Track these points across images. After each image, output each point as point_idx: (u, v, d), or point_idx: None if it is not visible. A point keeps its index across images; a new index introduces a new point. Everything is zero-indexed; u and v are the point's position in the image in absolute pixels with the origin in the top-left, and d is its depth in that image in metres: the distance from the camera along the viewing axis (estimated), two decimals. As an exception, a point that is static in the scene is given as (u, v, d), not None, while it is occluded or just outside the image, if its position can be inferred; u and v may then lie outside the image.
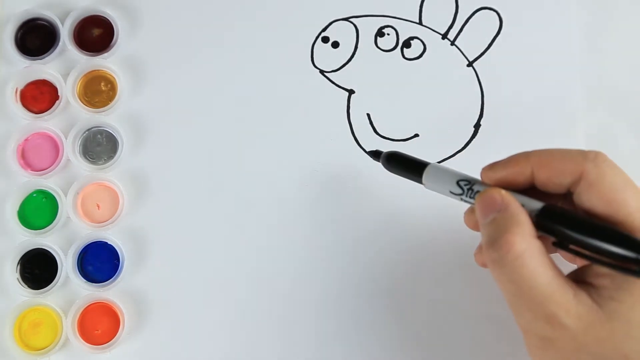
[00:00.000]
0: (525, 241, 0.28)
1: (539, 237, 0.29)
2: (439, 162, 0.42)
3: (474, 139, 0.42)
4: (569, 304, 0.28)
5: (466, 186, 0.32)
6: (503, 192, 0.30)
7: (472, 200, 0.32)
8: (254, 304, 0.41)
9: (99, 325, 0.41)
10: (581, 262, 0.32)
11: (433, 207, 0.41)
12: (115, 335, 0.40)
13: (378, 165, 0.42)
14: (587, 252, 0.28)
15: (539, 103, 0.42)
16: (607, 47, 0.43)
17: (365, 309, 0.40)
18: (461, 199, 0.33)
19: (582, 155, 0.29)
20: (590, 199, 0.29)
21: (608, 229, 0.28)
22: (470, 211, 0.33)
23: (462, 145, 0.42)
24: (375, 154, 0.39)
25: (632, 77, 0.43)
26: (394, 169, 0.37)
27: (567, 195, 0.30)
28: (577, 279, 0.30)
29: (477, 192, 0.32)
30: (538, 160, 0.30)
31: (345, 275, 0.41)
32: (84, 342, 0.40)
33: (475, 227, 0.33)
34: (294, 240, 0.41)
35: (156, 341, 0.41)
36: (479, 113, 0.43)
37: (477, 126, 0.42)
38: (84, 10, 0.44)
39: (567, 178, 0.30)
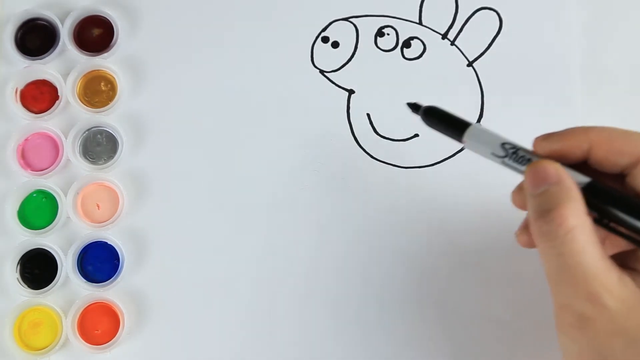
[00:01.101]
0: (578, 216, 0.28)
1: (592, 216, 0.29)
2: (439, 162, 0.42)
3: (474, 139, 0.42)
4: (613, 285, 0.27)
5: (511, 150, 0.31)
6: (558, 165, 0.30)
7: (515, 164, 0.31)
8: (253, 303, 0.41)
9: (99, 325, 0.41)
10: (626, 246, 0.31)
11: (434, 206, 0.41)
12: (115, 335, 0.40)
13: (379, 165, 0.42)
14: (628, 232, 0.28)
15: (539, 103, 0.42)
16: (607, 47, 0.43)
17: (366, 308, 0.40)
18: (503, 162, 0.31)
19: None
20: None
21: None
22: (519, 189, 0.33)
23: (462, 146, 0.42)
24: (414, 107, 0.36)
25: (632, 77, 0.43)
26: (435, 124, 0.35)
27: (619, 176, 0.30)
28: (622, 263, 0.29)
29: (523, 157, 0.31)
30: (598, 137, 0.30)
31: (345, 275, 0.41)
32: (84, 342, 0.40)
33: (522, 205, 0.32)
34: (293, 240, 0.41)
35: (156, 341, 0.41)
36: (479, 113, 0.43)
37: (477, 126, 0.42)
38: (84, 10, 0.44)
39: (625, 159, 0.29)
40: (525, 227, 0.32)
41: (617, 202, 0.28)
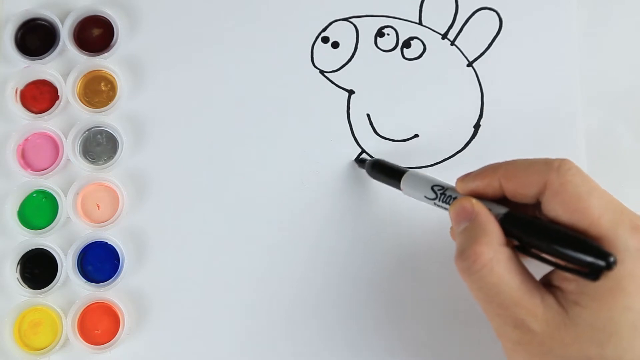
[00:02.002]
0: (492, 250, 0.29)
1: (511, 244, 0.30)
2: (439, 163, 0.42)
3: (474, 139, 0.42)
4: (536, 308, 0.29)
5: (439, 191, 0.34)
6: (474, 200, 0.31)
7: (445, 205, 0.33)
8: (253, 303, 0.41)
9: (99, 325, 0.41)
10: None
11: (433, 208, 0.41)
12: (115, 335, 0.40)
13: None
14: (546, 257, 0.29)
15: (539, 103, 0.42)
16: (607, 47, 0.43)
17: (367, 308, 0.40)
18: (435, 204, 0.34)
19: (546, 164, 0.30)
20: (555, 208, 0.29)
21: (564, 233, 0.28)
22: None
23: (462, 146, 0.42)
24: (360, 161, 0.41)
25: (631, 77, 0.43)
26: (377, 175, 0.39)
27: (538, 204, 0.31)
28: (547, 282, 0.30)
29: (450, 197, 0.33)
30: (505, 173, 0.31)
31: (345, 275, 0.41)
32: (84, 342, 0.40)
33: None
34: (293, 240, 0.41)
35: (156, 341, 0.41)
36: (478, 113, 0.43)
37: (477, 126, 0.42)
38: (84, 10, 0.44)
39: (532, 189, 0.30)
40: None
41: (530, 228, 0.29)
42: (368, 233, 0.41)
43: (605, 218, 0.28)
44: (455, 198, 0.33)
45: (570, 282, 0.29)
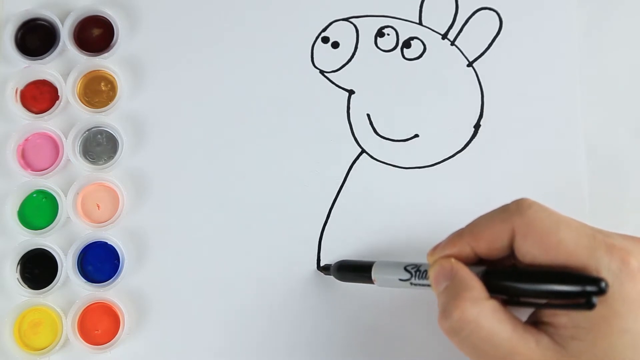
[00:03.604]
0: (476, 304, 0.28)
1: (495, 297, 0.29)
2: (439, 162, 0.42)
3: (474, 139, 0.42)
4: (532, 352, 0.28)
5: (413, 269, 0.33)
6: (452, 260, 0.30)
7: (422, 282, 0.32)
8: (253, 303, 0.41)
9: (99, 325, 0.41)
10: None
11: (434, 206, 0.42)
12: (115, 335, 0.40)
13: (379, 165, 0.42)
14: (537, 301, 0.28)
15: (539, 103, 0.42)
16: (607, 47, 0.43)
17: (367, 307, 0.40)
18: (411, 284, 0.33)
19: (506, 211, 0.30)
20: (530, 251, 0.29)
21: (547, 272, 0.28)
22: None
23: (462, 145, 0.42)
24: (324, 269, 0.40)
25: (632, 77, 0.43)
26: (345, 276, 0.38)
27: (512, 255, 0.30)
28: (537, 320, 0.30)
29: (425, 271, 0.32)
30: (470, 235, 0.31)
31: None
32: (84, 342, 0.40)
33: None
34: (293, 240, 0.41)
35: (156, 341, 0.41)
36: (479, 113, 0.43)
37: (477, 126, 0.42)
38: (84, 10, 0.44)
39: (502, 239, 0.30)
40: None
41: (513, 277, 0.29)
42: (368, 233, 0.41)
43: (580, 247, 0.27)
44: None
45: (561, 317, 0.28)
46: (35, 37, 0.44)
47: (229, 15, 0.44)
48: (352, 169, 0.42)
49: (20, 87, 0.44)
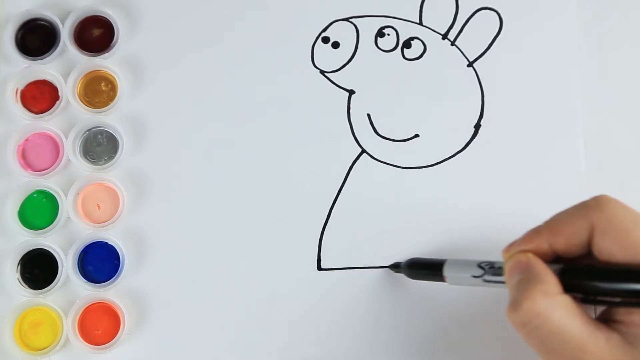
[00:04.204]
0: (548, 297, 0.28)
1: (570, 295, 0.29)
2: (439, 163, 0.42)
3: (474, 139, 0.42)
4: (602, 351, 0.27)
5: (487, 266, 0.33)
6: (530, 254, 0.30)
7: (495, 278, 0.32)
8: (253, 303, 0.41)
9: (99, 325, 0.41)
10: None
11: (435, 206, 0.42)
12: (115, 335, 0.40)
13: (379, 165, 0.42)
14: (613, 300, 0.28)
15: (539, 103, 0.42)
16: (607, 47, 0.43)
17: (367, 308, 0.40)
18: (483, 280, 0.33)
19: (585, 207, 0.29)
20: (608, 247, 0.28)
21: (626, 270, 0.28)
22: None
23: (462, 146, 0.42)
24: (394, 267, 0.40)
25: (632, 77, 0.43)
26: (416, 274, 0.39)
27: (589, 254, 0.30)
28: (608, 318, 0.29)
29: (500, 267, 0.32)
30: (549, 230, 0.30)
31: (345, 274, 0.41)
32: (84, 342, 0.40)
33: None
34: (293, 240, 0.41)
35: (156, 341, 0.41)
36: (479, 113, 0.43)
37: (477, 126, 0.42)
38: (84, 10, 0.44)
39: (582, 235, 0.29)
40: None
41: (592, 275, 0.28)
42: (368, 233, 0.41)
43: None
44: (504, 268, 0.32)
45: (635, 315, 0.28)
46: (36, 37, 0.44)
47: (229, 15, 0.44)
48: (352, 169, 0.42)
49: (21, 87, 0.44)
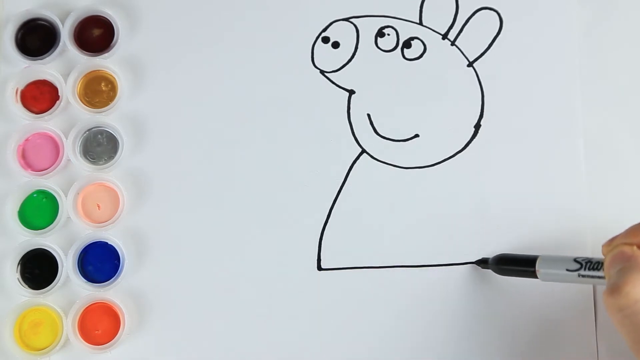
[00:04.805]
0: None
1: None
2: (439, 163, 0.42)
3: (474, 139, 0.42)
4: None
5: (584, 261, 0.33)
6: (634, 247, 0.31)
7: (591, 273, 0.33)
8: (253, 303, 0.41)
9: (99, 325, 0.41)
10: None
11: (435, 206, 0.42)
12: (115, 335, 0.40)
13: (379, 165, 0.42)
14: None
15: (539, 103, 0.42)
16: (607, 47, 0.43)
17: (367, 308, 0.40)
18: (579, 275, 0.33)
19: None
20: None
21: None
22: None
23: (462, 146, 0.42)
24: (482, 262, 0.40)
25: (632, 77, 0.43)
26: (505, 270, 0.38)
27: None
28: None
29: (598, 262, 0.32)
30: None
31: (345, 274, 0.41)
32: (84, 342, 0.41)
33: None
34: (293, 240, 0.41)
35: (156, 341, 0.41)
36: (479, 113, 0.43)
37: (477, 126, 0.42)
38: (84, 10, 0.44)
39: None
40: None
41: None
42: (368, 233, 0.41)
43: None
44: (602, 263, 0.32)
45: None
46: (36, 37, 0.44)
47: (229, 15, 0.44)
48: (352, 169, 0.42)
49: (21, 87, 0.44)
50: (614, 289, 0.29)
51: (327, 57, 0.44)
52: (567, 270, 0.34)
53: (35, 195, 0.42)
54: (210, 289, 0.41)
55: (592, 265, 0.33)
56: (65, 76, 0.43)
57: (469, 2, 0.44)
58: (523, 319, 0.40)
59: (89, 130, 0.43)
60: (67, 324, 0.40)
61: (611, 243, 0.32)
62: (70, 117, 0.43)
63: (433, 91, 0.43)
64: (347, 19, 0.44)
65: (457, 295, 0.40)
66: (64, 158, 0.42)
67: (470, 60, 0.43)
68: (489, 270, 0.40)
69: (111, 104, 0.43)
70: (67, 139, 0.42)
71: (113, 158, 0.42)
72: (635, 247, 0.31)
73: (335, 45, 0.44)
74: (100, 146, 0.43)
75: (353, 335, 0.40)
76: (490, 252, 0.40)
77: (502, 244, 0.41)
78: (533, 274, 0.36)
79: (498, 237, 0.41)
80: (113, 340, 0.40)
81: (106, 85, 0.44)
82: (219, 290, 0.41)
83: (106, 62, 0.43)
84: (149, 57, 0.44)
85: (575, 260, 0.34)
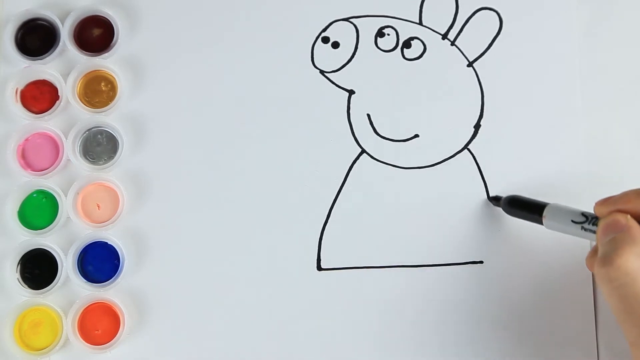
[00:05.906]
0: (639, 259, 0.28)
1: None
2: (439, 163, 0.42)
3: (474, 139, 0.42)
4: None
5: (590, 216, 0.33)
6: (629, 216, 0.31)
7: (594, 228, 0.33)
8: (254, 303, 0.41)
9: (99, 325, 0.41)
10: None
11: (435, 206, 0.42)
12: (115, 335, 0.40)
13: (379, 165, 0.42)
14: None
15: (539, 103, 0.42)
16: (607, 47, 0.43)
17: (367, 308, 0.40)
18: (582, 228, 0.33)
19: None
20: None
21: None
22: (593, 253, 0.34)
23: (462, 146, 0.42)
24: (494, 199, 0.41)
25: (632, 77, 0.43)
26: (515, 211, 0.39)
27: None
28: None
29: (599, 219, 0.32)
30: None
31: (345, 274, 0.41)
32: (84, 342, 0.41)
33: (593, 268, 0.33)
34: (293, 240, 0.41)
35: (156, 341, 0.41)
36: (479, 113, 0.43)
37: (477, 126, 0.42)
38: (84, 10, 0.44)
39: None
40: (593, 253, 0.34)
41: None
42: (368, 233, 0.41)
43: None
44: None
45: None
46: (36, 37, 0.44)
47: (229, 15, 0.44)
48: (352, 169, 0.42)
49: (21, 87, 0.44)
50: (606, 260, 0.29)
51: (327, 57, 0.44)
52: (572, 221, 0.34)
53: (35, 195, 0.42)
54: (210, 289, 0.41)
55: (596, 221, 0.33)
56: (65, 76, 0.43)
57: (468, 2, 0.44)
58: (523, 319, 0.40)
59: (88, 130, 0.43)
60: (67, 324, 0.40)
61: (605, 203, 0.32)
62: (70, 117, 0.43)
63: (433, 91, 0.43)
64: (347, 19, 0.44)
65: (457, 295, 0.40)
66: (63, 158, 0.42)
67: (470, 60, 0.43)
68: (489, 271, 0.40)
69: (111, 104, 0.43)
70: (67, 139, 0.42)
71: (113, 158, 0.42)
72: (629, 217, 0.31)
73: (335, 45, 0.44)
74: (100, 146, 0.43)
75: (353, 335, 0.40)
76: (490, 252, 0.40)
77: (501, 244, 0.41)
78: (539, 220, 0.36)
79: (497, 237, 0.41)
80: (113, 340, 0.40)
81: (106, 85, 0.44)
82: (218, 290, 0.41)
83: (106, 62, 0.43)
84: (149, 57, 0.44)
85: (583, 213, 0.34)
